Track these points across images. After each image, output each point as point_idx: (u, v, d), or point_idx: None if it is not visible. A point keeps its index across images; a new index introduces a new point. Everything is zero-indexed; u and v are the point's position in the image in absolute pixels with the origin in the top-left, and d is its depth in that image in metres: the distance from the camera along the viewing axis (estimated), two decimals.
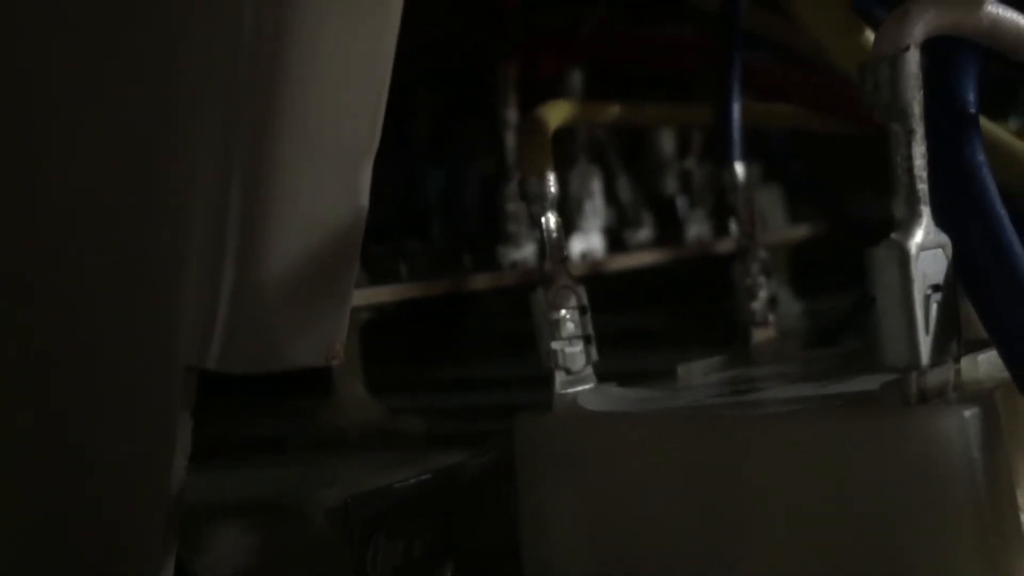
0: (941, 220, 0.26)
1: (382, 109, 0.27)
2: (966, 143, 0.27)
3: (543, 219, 0.31)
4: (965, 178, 0.26)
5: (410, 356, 0.47)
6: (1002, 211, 0.26)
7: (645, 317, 0.51)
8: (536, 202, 0.32)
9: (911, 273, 0.25)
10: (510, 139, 0.42)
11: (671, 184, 0.47)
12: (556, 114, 0.34)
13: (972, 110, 0.27)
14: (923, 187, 0.25)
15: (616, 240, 0.44)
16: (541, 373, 0.31)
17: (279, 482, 0.33)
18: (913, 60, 0.25)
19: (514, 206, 0.41)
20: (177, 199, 0.26)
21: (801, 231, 0.50)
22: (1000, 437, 0.25)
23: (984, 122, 0.28)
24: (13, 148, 0.28)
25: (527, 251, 0.40)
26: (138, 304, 0.27)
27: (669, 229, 0.46)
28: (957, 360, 0.26)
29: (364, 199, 0.27)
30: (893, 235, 0.25)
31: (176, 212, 0.26)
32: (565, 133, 0.35)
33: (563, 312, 0.31)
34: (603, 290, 0.32)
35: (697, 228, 0.46)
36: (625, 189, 0.45)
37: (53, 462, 0.28)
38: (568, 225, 0.41)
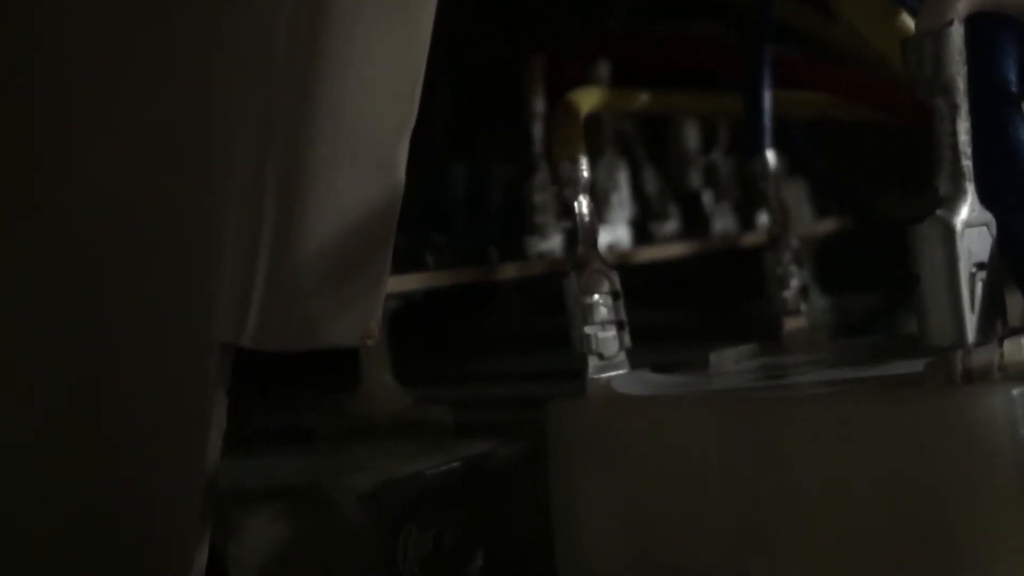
0: (983, 198, 0.25)
1: (418, 91, 0.27)
2: (1008, 121, 0.26)
3: (576, 203, 0.31)
4: (1007, 156, 0.26)
5: (436, 347, 0.47)
6: None
7: (669, 310, 0.51)
8: (569, 186, 0.31)
9: (956, 250, 0.24)
10: (537, 130, 0.42)
11: (696, 178, 0.47)
12: (588, 99, 0.33)
13: (1013, 89, 0.27)
14: (968, 163, 0.25)
15: (642, 232, 0.44)
16: (564, 366, 0.30)
17: (309, 469, 0.32)
18: (957, 35, 0.25)
19: (541, 197, 0.40)
20: (214, 177, 0.26)
21: (826, 226, 0.49)
22: None
23: None
24: (55, 123, 0.28)
25: (554, 242, 0.40)
26: (174, 282, 0.27)
27: (694, 223, 0.46)
28: (1001, 341, 0.25)
29: (400, 178, 0.27)
30: (938, 212, 0.25)
31: (213, 190, 0.26)
32: (591, 125, 0.35)
33: (596, 297, 0.30)
34: (626, 283, 0.32)
35: (723, 222, 0.46)
36: (651, 181, 0.45)
37: (88, 441, 0.27)
38: None
